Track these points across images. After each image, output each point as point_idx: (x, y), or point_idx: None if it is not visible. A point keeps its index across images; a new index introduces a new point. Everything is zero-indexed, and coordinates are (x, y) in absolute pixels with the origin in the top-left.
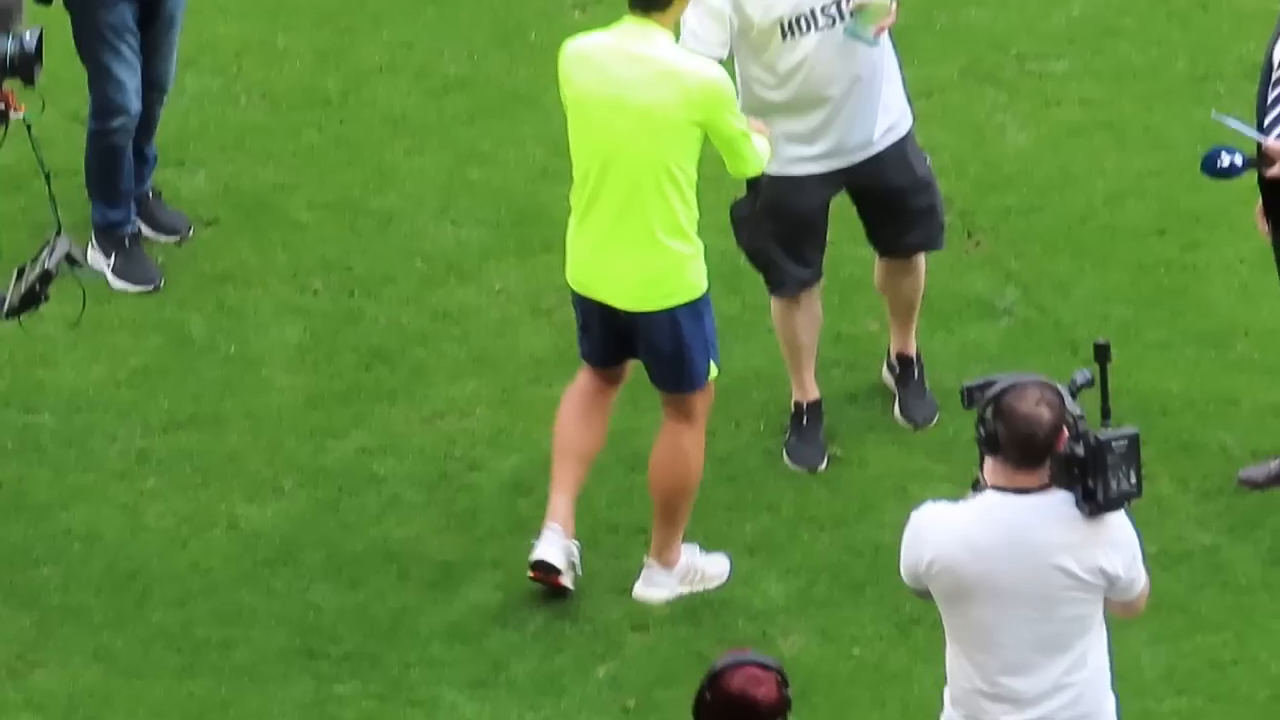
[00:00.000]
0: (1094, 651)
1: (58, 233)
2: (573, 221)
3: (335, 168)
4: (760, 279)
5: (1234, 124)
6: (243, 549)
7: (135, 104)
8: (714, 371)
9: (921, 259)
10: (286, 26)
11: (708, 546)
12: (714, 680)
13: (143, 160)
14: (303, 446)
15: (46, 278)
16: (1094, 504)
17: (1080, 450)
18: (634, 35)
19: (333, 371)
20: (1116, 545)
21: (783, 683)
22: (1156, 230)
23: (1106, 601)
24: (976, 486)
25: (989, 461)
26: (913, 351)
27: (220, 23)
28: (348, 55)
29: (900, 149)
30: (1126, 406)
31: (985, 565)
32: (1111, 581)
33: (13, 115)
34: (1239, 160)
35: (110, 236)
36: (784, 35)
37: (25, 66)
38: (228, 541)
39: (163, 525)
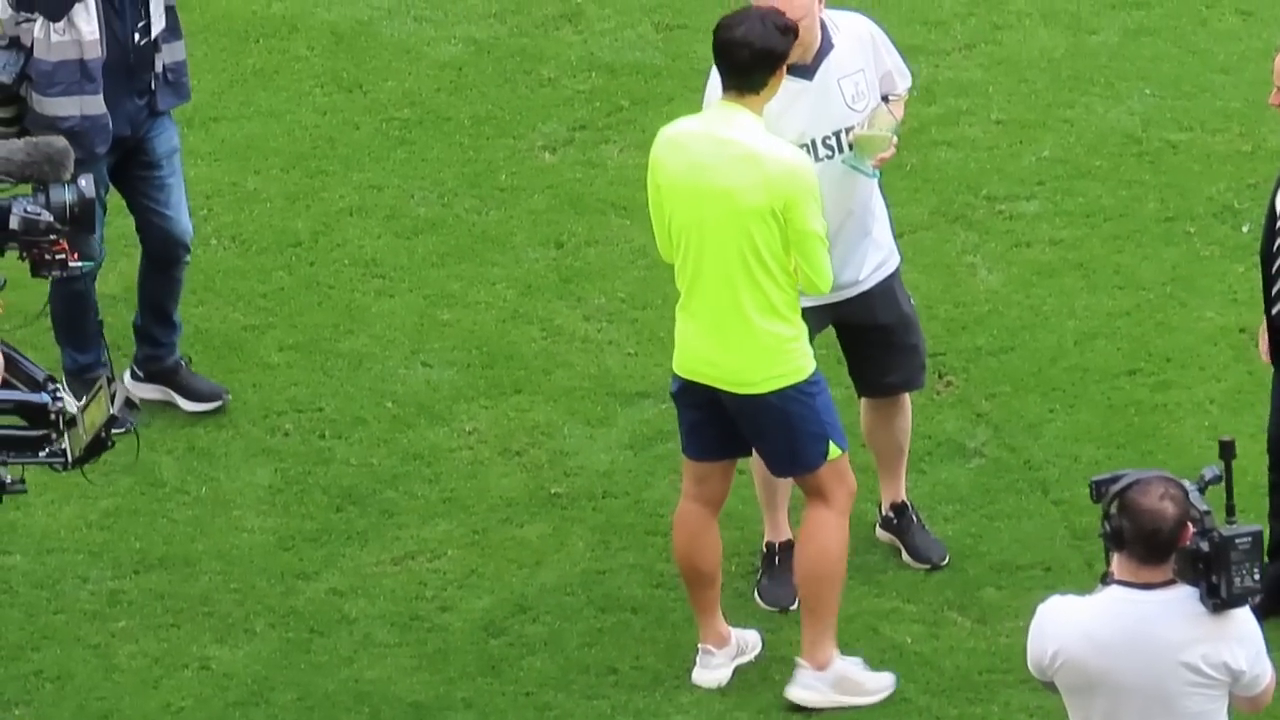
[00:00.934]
0: None
1: (110, 378)
2: (679, 307)
3: (306, 309)
4: None
5: None
6: (214, 690)
7: (99, 252)
8: (835, 451)
9: (907, 401)
10: (257, 169)
11: (676, 684)
12: None
13: (171, 327)
14: (274, 587)
15: (112, 423)
16: (1218, 600)
17: (1205, 546)
18: (720, 118)
19: (304, 513)
20: (1241, 640)
21: None
22: (1127, 371)
23: (1232, 697)
24: (1105, 580)
25: (1115, 557)
26: (904, 497)
27: (190, 165)
28: (318, 197)
29: (889, 285)
30: (1099, 545)
31: (1107, 660)
32: (1236, 677)
33: (71, 264)
34: None
35: (82, 380)
36: None
37: (86, 213)
38: (199, 682)
39: (134, 666)
